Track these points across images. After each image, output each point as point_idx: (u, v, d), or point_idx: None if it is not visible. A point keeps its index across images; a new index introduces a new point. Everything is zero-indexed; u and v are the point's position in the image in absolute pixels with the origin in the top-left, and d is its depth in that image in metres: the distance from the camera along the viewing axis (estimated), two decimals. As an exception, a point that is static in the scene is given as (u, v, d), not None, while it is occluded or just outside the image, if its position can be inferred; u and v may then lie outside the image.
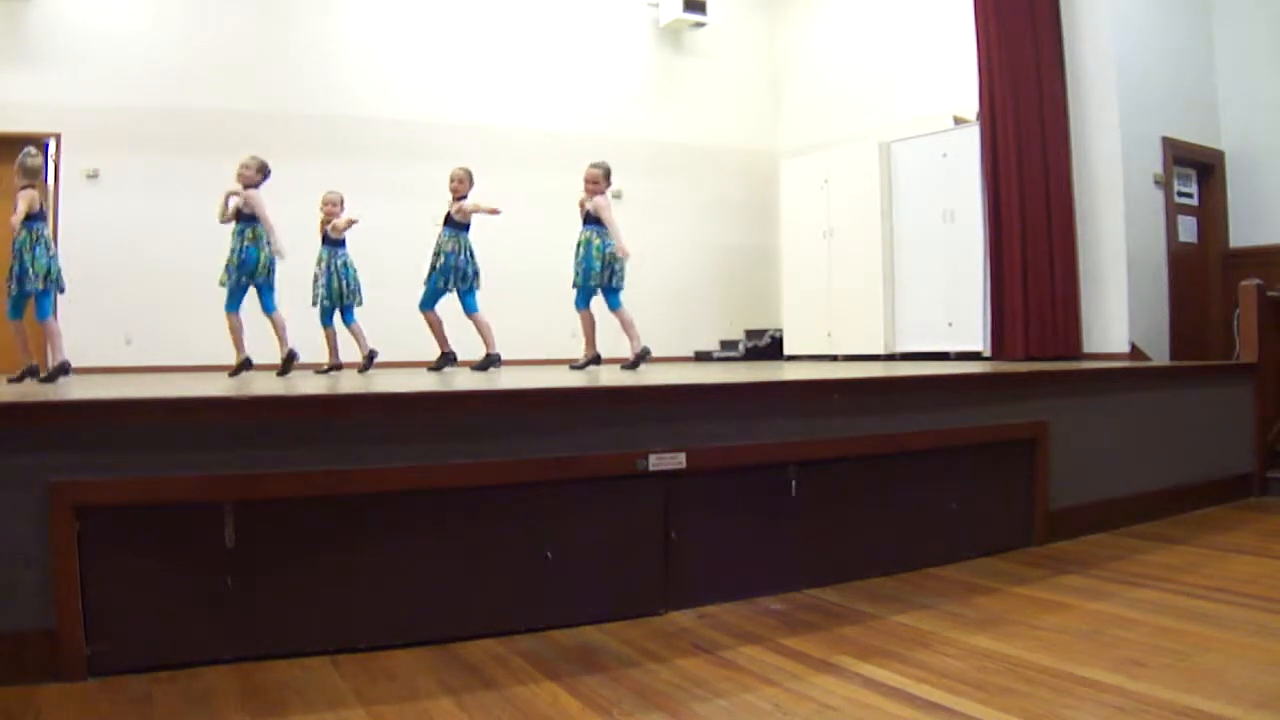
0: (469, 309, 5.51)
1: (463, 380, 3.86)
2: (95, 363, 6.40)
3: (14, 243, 4.48)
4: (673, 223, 9.09)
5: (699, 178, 9.25)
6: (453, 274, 5.41)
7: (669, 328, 8.96)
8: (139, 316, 6.69)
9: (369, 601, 2.33)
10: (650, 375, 3.94)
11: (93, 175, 7.06)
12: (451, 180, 5.55)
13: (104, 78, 7.10)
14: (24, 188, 4.51)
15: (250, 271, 4.94)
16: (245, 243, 4.94)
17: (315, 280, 5.69)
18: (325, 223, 5.76)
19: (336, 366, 5.78)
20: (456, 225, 5.48)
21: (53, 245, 4.61)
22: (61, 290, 4.69)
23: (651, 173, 8.98)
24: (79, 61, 7.05)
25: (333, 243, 5.72)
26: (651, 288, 8.91)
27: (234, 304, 5.00)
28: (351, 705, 1.93)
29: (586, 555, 2.56)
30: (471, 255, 5.50)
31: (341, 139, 7.76)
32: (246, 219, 4.98)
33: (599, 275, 5.17)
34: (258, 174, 5.07)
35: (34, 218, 4.49)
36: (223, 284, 5.02)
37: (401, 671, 2.14)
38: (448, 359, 5.65)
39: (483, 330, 5.52)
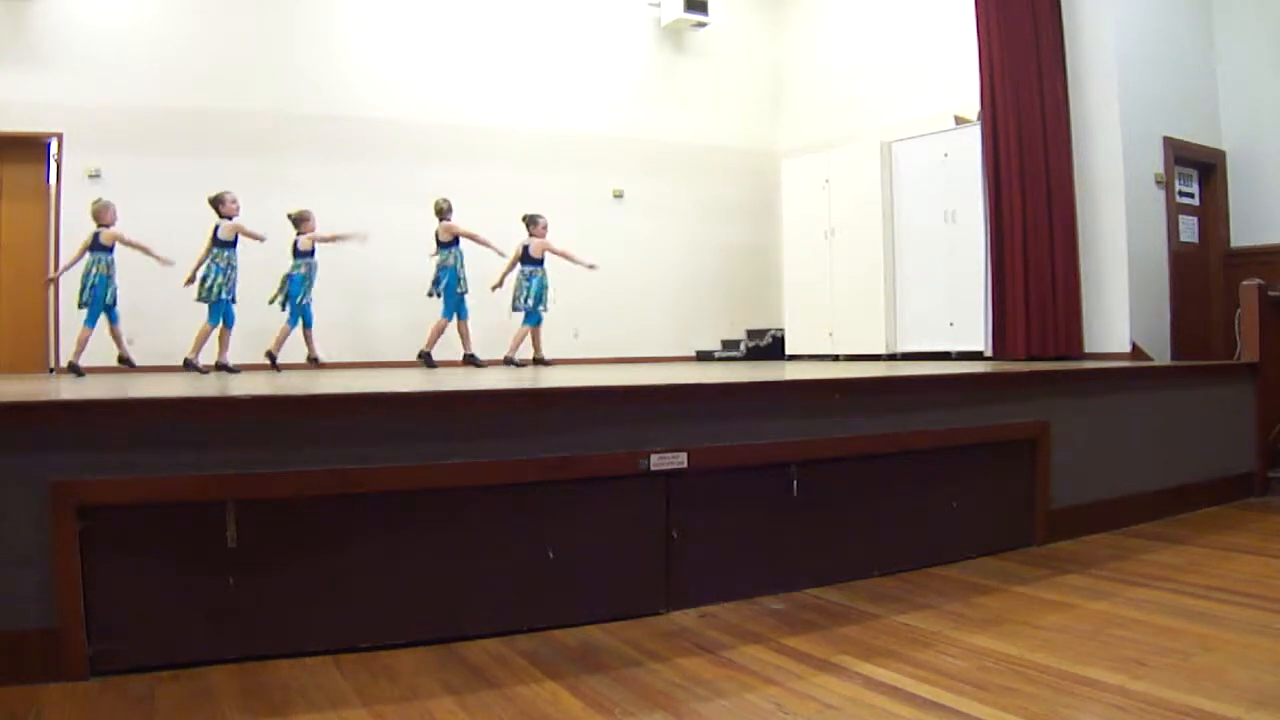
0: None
1: (463, 380, 3.86)
2: (98, 362, 6.40)
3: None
4: (674, 222, 9.09)
5: (700, 178, 9.25)
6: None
7: (670, 327, 8.97)
8: (141, 316, 6.70)
9: (371, 601, 2.33)
10: (652, 375, 3.94)
11: (94, 175, 7.07)
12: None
13: (105, 77, 7.10)
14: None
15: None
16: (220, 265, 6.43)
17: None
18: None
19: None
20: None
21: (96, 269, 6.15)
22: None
23: (653, 172, 8.99)
24: (80, 61, 7.06)
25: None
26: (653, 287, 8.94)
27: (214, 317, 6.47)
28: (353, 705, 1.93)
29: (588, 555, 2.56)
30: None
31: (342, 138, 7.77)
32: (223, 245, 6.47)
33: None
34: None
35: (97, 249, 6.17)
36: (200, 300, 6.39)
37: (403, 671, 2.15)
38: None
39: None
